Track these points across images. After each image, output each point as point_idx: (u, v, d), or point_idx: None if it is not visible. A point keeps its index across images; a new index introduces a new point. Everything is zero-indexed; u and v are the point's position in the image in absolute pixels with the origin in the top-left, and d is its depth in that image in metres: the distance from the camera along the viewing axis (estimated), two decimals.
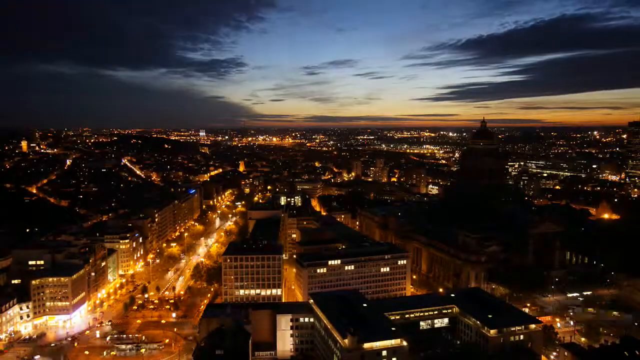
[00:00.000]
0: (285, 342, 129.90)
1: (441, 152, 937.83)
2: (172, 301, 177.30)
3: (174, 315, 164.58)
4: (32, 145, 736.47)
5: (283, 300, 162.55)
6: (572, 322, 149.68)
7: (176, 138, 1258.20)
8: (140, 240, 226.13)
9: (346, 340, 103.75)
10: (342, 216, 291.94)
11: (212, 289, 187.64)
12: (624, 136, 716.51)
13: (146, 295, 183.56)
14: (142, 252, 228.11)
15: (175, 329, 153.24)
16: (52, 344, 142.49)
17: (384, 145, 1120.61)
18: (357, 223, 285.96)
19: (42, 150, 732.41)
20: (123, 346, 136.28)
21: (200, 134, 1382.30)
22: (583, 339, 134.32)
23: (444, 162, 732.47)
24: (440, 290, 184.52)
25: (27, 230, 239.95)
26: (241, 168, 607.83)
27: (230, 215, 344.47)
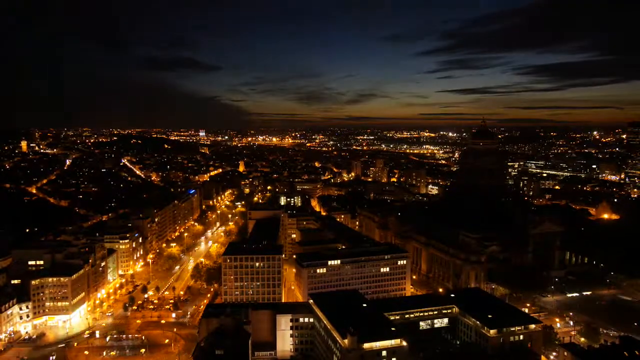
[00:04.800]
0: (285, 342, 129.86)
1: (441, 152, 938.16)
2: (171, 301, 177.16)
3: (173, 315, 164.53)
4: (32, 145, 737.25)
5: (283, 300, 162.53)
6: (571, 322, 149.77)
7: (176, 138, 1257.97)
8: (140, 240, 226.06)
9: (346, 340, 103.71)
10: (342, 216, 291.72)
11: (212, 289, 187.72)
12: (624, 136, 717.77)
13: (146, 295, 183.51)
14: (141, 252, 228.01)
15: (175, 329, 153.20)
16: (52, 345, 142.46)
17: (383, 145, 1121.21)
18: (357, 223, 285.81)
19: (42, 150, 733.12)
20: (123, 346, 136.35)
21: (200, 134, 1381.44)
22: (583, 339, 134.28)
23: (444, 162, 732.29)
24: (440, 290, 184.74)
25: (27, 230, 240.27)
26: (241, 168, 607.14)
27: (230, 215, 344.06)
